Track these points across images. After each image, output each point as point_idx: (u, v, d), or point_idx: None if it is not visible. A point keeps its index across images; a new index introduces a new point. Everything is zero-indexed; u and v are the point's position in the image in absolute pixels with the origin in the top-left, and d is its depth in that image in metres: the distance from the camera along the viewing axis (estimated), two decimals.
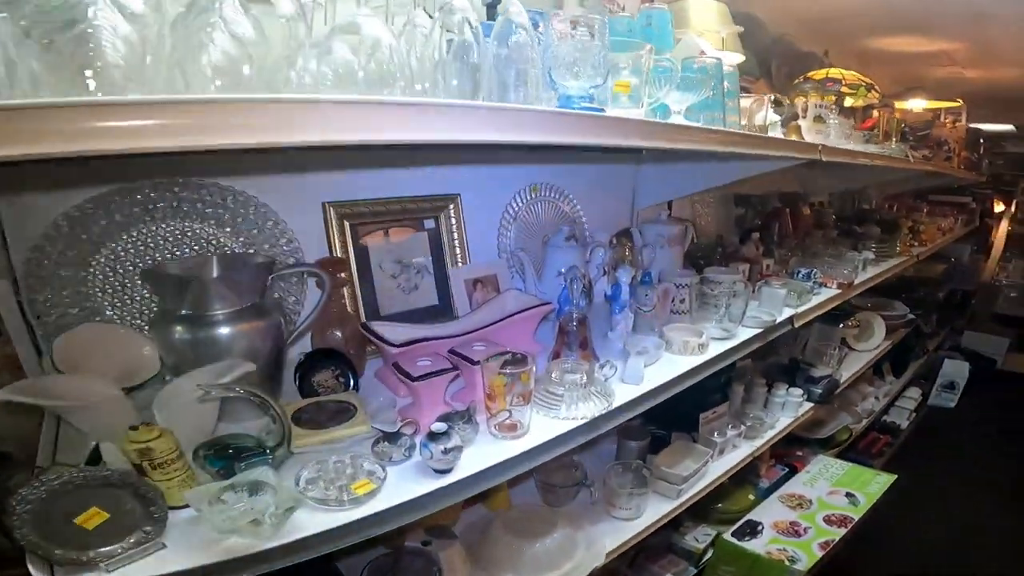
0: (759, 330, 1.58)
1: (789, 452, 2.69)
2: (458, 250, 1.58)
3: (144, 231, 1.18)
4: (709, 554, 2.08)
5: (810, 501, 2.17)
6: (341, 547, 0.82)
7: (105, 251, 1.15)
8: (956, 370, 3.95)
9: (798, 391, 2.17)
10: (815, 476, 2.33)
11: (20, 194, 1.06)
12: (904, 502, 2.87)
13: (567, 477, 1.65)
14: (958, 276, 4.32)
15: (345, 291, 1.38)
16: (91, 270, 1.14)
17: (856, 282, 2.21)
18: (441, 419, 0.98)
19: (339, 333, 1.28)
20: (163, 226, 1.21)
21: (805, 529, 2.02)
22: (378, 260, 1.47)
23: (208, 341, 1.02)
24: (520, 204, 1.76)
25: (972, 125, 4.67)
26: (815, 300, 1.91)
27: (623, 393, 1.20)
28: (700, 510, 2.19)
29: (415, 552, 1.20)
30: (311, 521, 0.81)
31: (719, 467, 1.86)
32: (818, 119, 1.89)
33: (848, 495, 2.19)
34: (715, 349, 1.45)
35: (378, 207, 1.48)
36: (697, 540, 2.15)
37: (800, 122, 1.90)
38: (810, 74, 2.80)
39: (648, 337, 1.42)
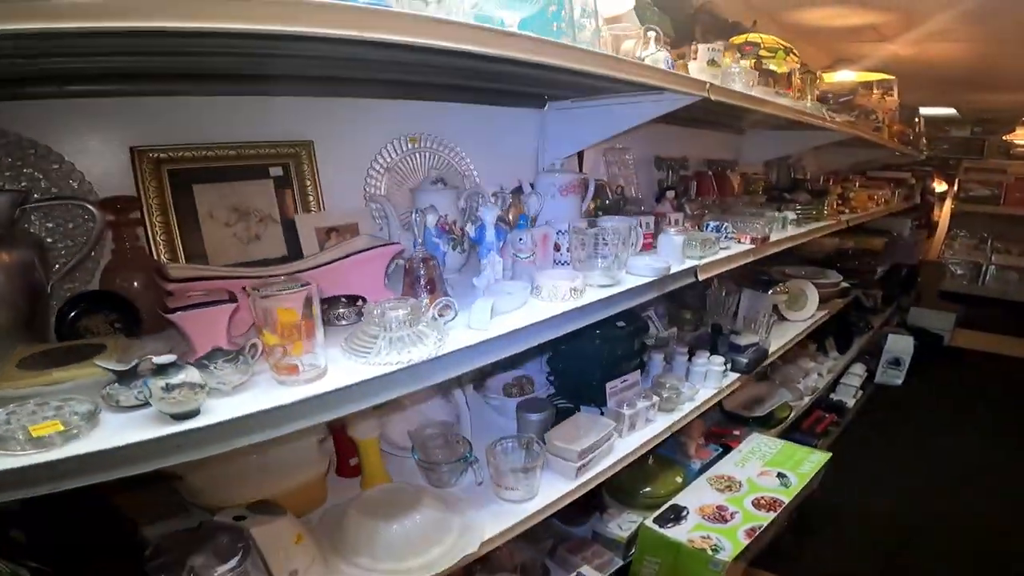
0: (650, 278, 1.40)
1: (725, 431, 2.52)
2: (311, 200, 1.38)
3: None
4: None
5: (740, 483, 1.97)
6: (19, 496, 0.60)
7: None
8: (901, 346, 3.83)
9: (719, 359, 1.98)
10: (747, 456, 2.12)
11: None
12: (850, 482, 2.73)
13: (450, 454, 1.44)
14: (900, 251, 4.24)
15: (158, 240, 1.16)
16: None
17: (773, 239, 2.05)
18: (203, 358, 0.77)
19: (137, 284, 1.07)
20: None
21: (732, 514, 1.82)
22: (208, 208, 1.25)
23: None
24: (395, 155, 1.56)
25: (914, 106, 4.65)
26: (723, 253, 1.73)
27: (461, 339, 0.99)
28: (625, 495, 2.03)
29: (221, 527, 0.97)
30: None
31: (630, 443, 1.66)
32: (712, 63, 1.73)
33: (780, 475, 2.00)
34: (592, 296, 1.25)
35: (208, 153, 1.26)
36: (621, 528, 1.95)
37: (690, 63, 1.74)
38: (730, 40, 2.68)
39: (515, 283, 1.22)
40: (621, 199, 1.87)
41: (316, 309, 0.80)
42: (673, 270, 1.50)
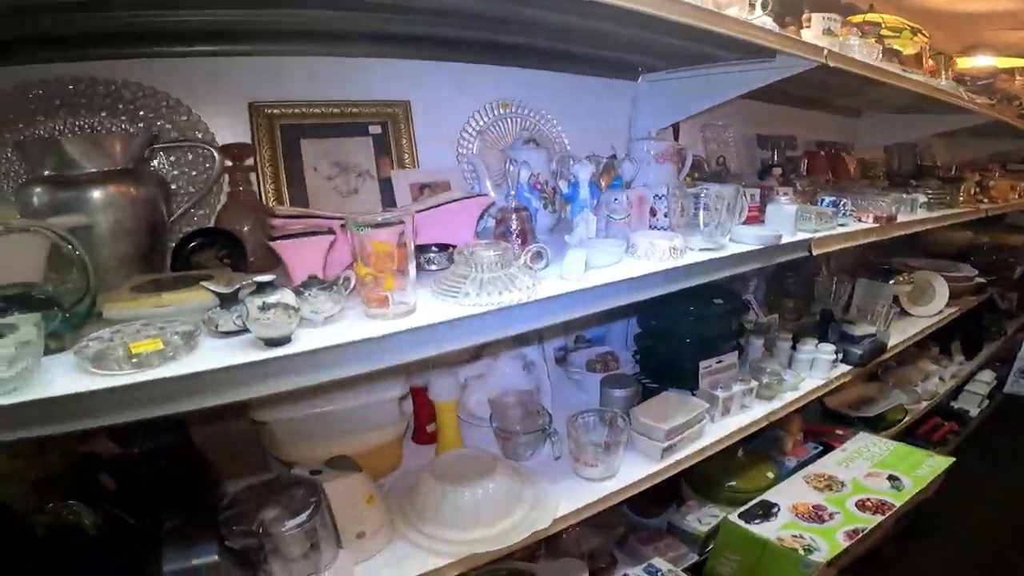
0: (756, 246, 1.28)
1: (826, 430, 2.30)
2: (407, 157, 1.38)
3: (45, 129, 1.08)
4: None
5: (842, 483, 1.76)
6: (112, 422, 0.63)
7: None
8: None
9: (830, 347, 1.80)
10: (852, 455, 1.90)
11: None
12: (966, 490, 2.35)
13: (529, 424, 1.39)
14: None
15: (267, 188, 1.21)
16: None
17: (901, 220, 1.82)
18: (300, 285, 0.78)
19: (248, 227, 1.11)
20: (67, 123, 1.10)
21: (831, 515, 1.63)
22: (313, 161, 1.29)
23: (71, 202, 0.88)
24: (486, 118, 1.54)
25: None
26: (841, 229, 1.56)
27: (554, 288, 0.94)
28: (708, 487, 1.91)
29: (296, 480, 0.98)
30: (69, 383, 0.62)
31: (722, 429, 1.54)
32: (828, 32, 1.55)
33: (891, 478, 1.77)
34: (691, 259, 1.16)
35: (315, 110, 1.31)
36: (700, 521, 1.82)
37: (802, 31, 1.58)
38: (847, 18, 2.43)
39: (609, 240, 1.16)
40: (724, 170, 1.73)
41: (410, 245, 0.79)
42: (784, 240, 1.37)
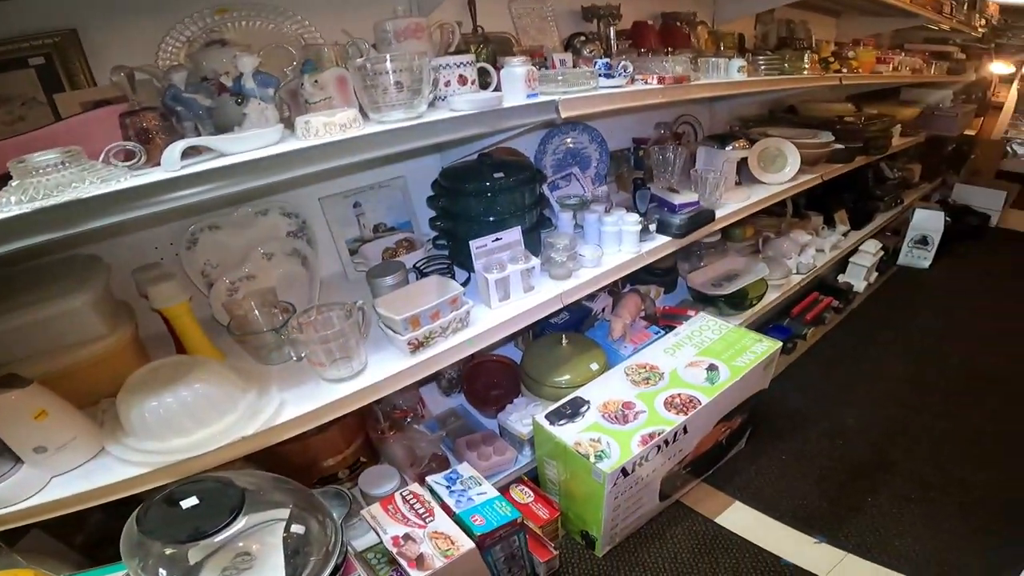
0: (469, 112, 1.13)
1: (679, 311, 2.22)
2: (82, 79, 1.18)
3: None
4: None
5: (661, 374, 1.61)
6: None
7: None
8: (929, 222, 3.15)
9: (634, 217, 1.60)
10: (683, 340, 1.76)
11: None
12: (827, 385, 2.26)
13: (268, 323, 1.22)
14: (937, 123, 3.52)
15: None
16: None
17: (705, 83, 1.66)
18: None
19: None
20: None
21: (637, 414, 1.48)
22: None
23: None
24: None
25: None
26: (604, 91, 1.39)
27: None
28: (533, 382, 1.73)
29: None
30: None
31: (500, 315, 1.35)
32: None
33: (711, 368, 1.61)
34: (361, 132, 0.99)
35: None
36: (522, 422, 1.65)
37: None
38: None
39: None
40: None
41: None
42: (513, 104, 1.22)
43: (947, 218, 3.17)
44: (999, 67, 4.87)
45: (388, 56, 1.04)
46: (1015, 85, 4.89)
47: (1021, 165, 4.55)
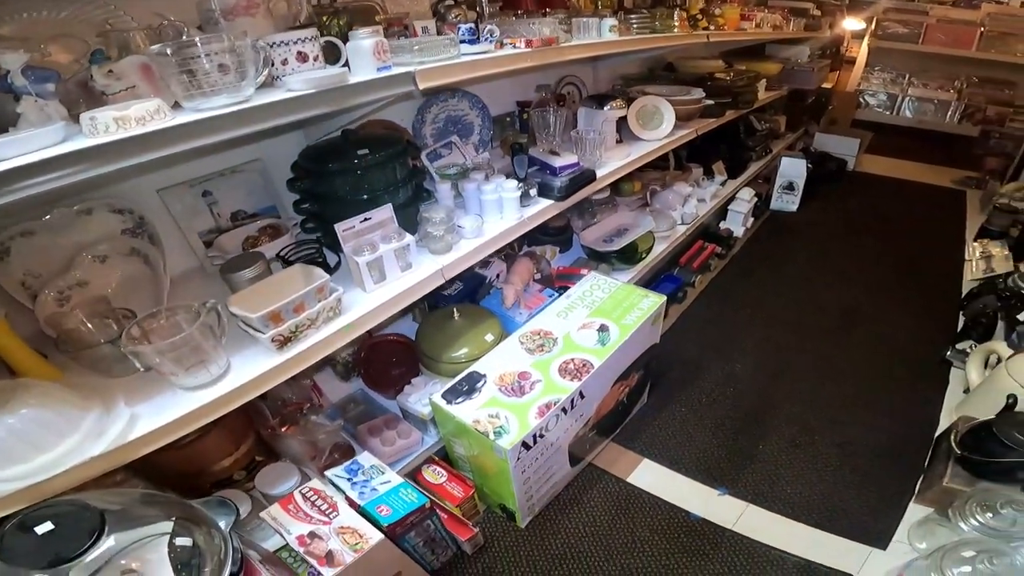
0: (306, 91, 1.02)
1: (573, 271, 2.24)
2: None
3: None
4: None
5: (555, 340, 1.56)
6: None
7: None
8: (794, 169, 3.41)
9: (512, 183, 1.55)
10: (575, 302, 1.73)
11: None
12: (719, 331, 2.37)
13: (104, 333, 1.07)
14: (797, 77, 3.76)
15: None
16: None
17: (575, 44, 1.62)
18: None
19: None
20: None
21: (533, 384, 1.42)
22: None
23: None
24: None
25: None
26: (464, 58, 1.30)
27: None
28: (430, 360, 1.65)
29: None
30: None
31: (378, 297, 1.26)
32: None
33: (601, 328, 1.59)
34: (173, 122, 0.86)
35: None
36: (421, 403, 1.58)
37: None
38: None
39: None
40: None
41: None
42: (361, 79, 1.11)
43: (809, 164, 3.40)
44: (851, 23, 5.25)
45: (198, 39, 0.90)
46: (866, 40, 5.31)
47: (873, 114, 4.96)
